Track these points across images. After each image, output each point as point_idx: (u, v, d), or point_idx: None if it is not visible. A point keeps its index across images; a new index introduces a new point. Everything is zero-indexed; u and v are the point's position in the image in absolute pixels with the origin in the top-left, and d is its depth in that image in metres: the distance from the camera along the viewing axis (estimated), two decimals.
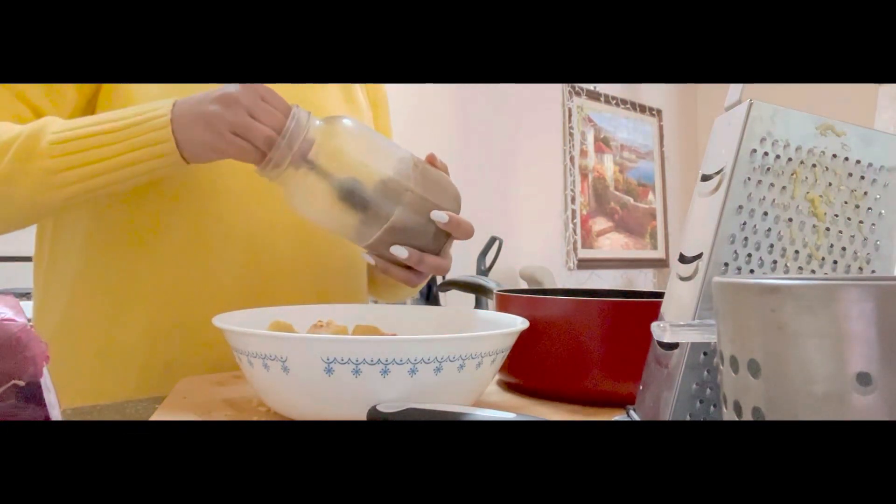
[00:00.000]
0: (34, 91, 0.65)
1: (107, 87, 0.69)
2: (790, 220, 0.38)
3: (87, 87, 0.69)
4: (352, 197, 0.58)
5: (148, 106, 0.60)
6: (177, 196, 0.68)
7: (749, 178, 0.38)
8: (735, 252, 0.38)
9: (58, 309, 0.70)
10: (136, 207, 0.68)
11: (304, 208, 0.61)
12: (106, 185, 0.59)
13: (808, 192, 0.39)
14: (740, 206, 0.38)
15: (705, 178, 0.41)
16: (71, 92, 0.67)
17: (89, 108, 0.70)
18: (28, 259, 0.78)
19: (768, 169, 0.38)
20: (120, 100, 0.67)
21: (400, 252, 0.59)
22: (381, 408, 0.42)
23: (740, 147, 0.38)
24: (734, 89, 0.40)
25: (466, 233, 0.61)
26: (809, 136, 0.39)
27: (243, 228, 0.70)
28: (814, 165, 0.39)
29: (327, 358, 0.43)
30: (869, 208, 0.40)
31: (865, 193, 0.39)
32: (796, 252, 0.39)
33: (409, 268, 0.63)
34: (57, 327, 0.70)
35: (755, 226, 0.38)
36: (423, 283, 0.74)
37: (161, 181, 0.67)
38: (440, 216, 0.59)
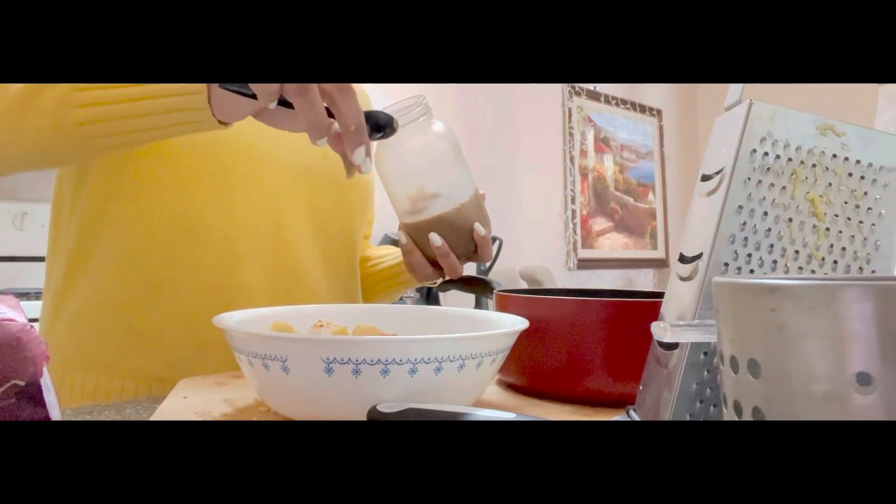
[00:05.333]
0: None
1: None
2: (790, 220, 0.38)
3: None
4: (430, 178, 0.68)
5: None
6: (214, 187, 0.71)
7: (749, 178, 0.38)
8: (735, 252, 0.38)
9: (85, 292, 0.72)
10: (178, 197, 0.70)
11: (388, 166, 0.68)
12: (126, 117, 0.56)
13: (808, 192, 0.39)
14: (740, 206, 0.38)
15: (705, 178, 0.41)
16: None
17: None
18: (28, 259, 0.79)
19: (768, 169, 0.38)
20: None
21: (435, 239, 0.68)
22: (381, 408, 0.42)
23: (740, 147, 0.38)
24: (734, 89, 0.40)
25: (487, 256, 0.71)
26: (809, 136, 0.39)
27: (272, 223, 0.75)
28: (814, 165, 0.39)
29: (327, 358, 0.43)
30: (869, 208, 0.40)
31: (865, 193, 0.39)
32: (796, 252, 0.39)
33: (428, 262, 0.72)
34: (80, 308, 0.72)
35: (755, 226, 0.38)
36: (418, 285, 0.85)
37: (200, 172, 0.70)
38: (480, 228, 0.69)
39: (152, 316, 0.70)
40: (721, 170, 0.39)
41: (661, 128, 3.41)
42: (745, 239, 0.38)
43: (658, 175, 3.37)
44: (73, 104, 0.56)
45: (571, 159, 2.93)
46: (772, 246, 0.38)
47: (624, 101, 3.21)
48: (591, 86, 3.05)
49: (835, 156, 0.39)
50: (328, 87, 0.54)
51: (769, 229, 0.38)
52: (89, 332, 0.71)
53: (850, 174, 0.39)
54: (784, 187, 0.38)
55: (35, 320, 0.76)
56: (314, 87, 0.53)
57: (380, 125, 0.59)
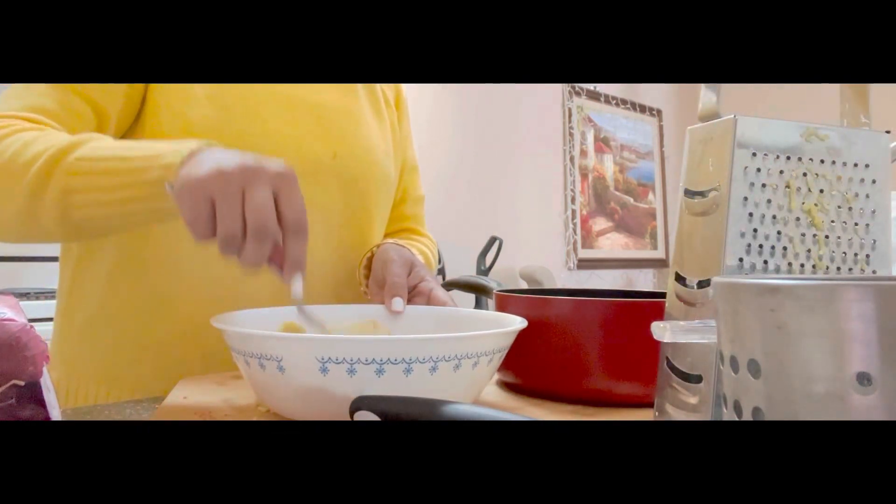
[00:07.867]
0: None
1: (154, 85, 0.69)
2: (791, 238, 0.39)
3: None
4: None
5: (172, 143, 0.55)
6: None
7: (747, 199, 0.38)
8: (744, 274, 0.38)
9: (93, 301, 0.72)
10: None
11: None
12: (112, 218, 0.57)
13: (803, 203, 0.39)
14: (742, 233, 0.38)
15: (692, 194, 0.41)
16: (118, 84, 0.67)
17: (138, 96, 0.69)
18: (28, 259, 0.79)
19: (763, 185, 0.38)
20: (165, 95, 0.68)
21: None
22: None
23: (733, 167, 0.38)
24: (707, 92, 0.40)
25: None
26: (796, 145, 0.39)
27: None
28: (804, 174, 0.39)
29: (322, 357, 0.43)
30: (861, 208, 0.40)
31: (856, 195, 0.40)
32: (801, 266, 0.39)
33: None
34: (91, 319, 0.71)
35: (760, 246, 0.38)
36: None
37: None
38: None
39: (159, 329, 0.70)
40: (714, 189, 0.39)
41: (661, 128, 3.40)
42: (753, 265, 0.38)
43: (658, 175, 3.37)
44: (69, 207, 0.56)
45: (571, 159, 2.92)
46: (778, 265, 0.39)
47: (624, 101, 3.21)
48: (591, 86, 3.04)
49: (822, 161, 0.39)
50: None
51: (773, 247, 0.38)
52: (99, 346, 0.71)
53: (839, 177, 0.39)
54: (780, 205, 0.38)
55: (35, 320, 0.76)
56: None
57: None
